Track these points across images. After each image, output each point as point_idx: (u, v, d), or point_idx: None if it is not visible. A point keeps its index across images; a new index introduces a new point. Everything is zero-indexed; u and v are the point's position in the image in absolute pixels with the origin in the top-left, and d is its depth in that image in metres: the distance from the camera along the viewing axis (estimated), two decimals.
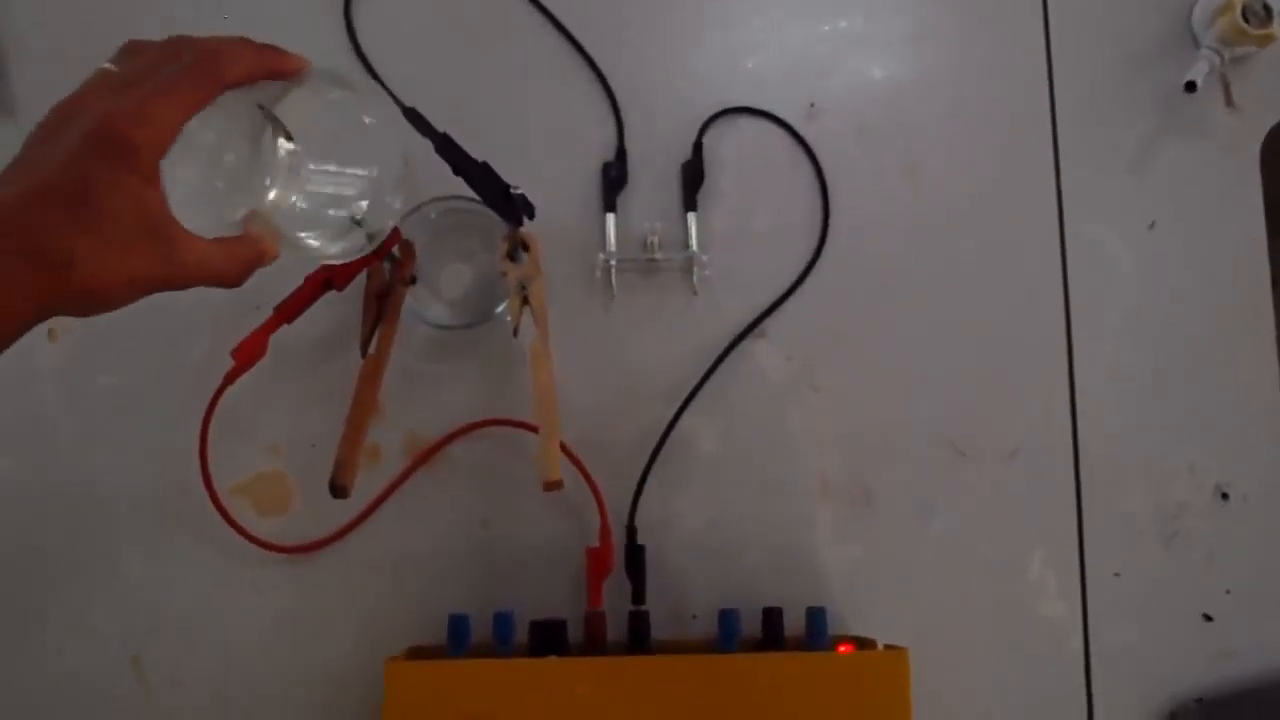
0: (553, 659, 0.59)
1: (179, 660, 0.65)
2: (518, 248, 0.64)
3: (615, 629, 0.62)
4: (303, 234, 0.49)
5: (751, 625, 0.62)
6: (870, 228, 0.70)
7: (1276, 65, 0.72)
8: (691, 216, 0.69)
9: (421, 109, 0.57)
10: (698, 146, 0.70)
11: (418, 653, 0.62)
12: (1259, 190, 0.71)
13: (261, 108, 0.46)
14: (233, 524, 0.64)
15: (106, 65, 0.44)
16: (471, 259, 0.69)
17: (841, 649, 0.61)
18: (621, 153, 0.70)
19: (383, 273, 0.64)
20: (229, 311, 0.64)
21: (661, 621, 0.63)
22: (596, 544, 0.63)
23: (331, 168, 0.50)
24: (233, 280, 0.45)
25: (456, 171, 0.59)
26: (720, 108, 0.71)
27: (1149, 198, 0.71)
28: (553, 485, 0.57)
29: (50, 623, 0.65)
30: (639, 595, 0.63)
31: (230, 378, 0.60)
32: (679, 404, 0.67)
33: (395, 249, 0.63)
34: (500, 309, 0.66)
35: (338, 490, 0.57)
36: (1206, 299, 0.70)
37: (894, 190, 0.71)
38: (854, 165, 0.71)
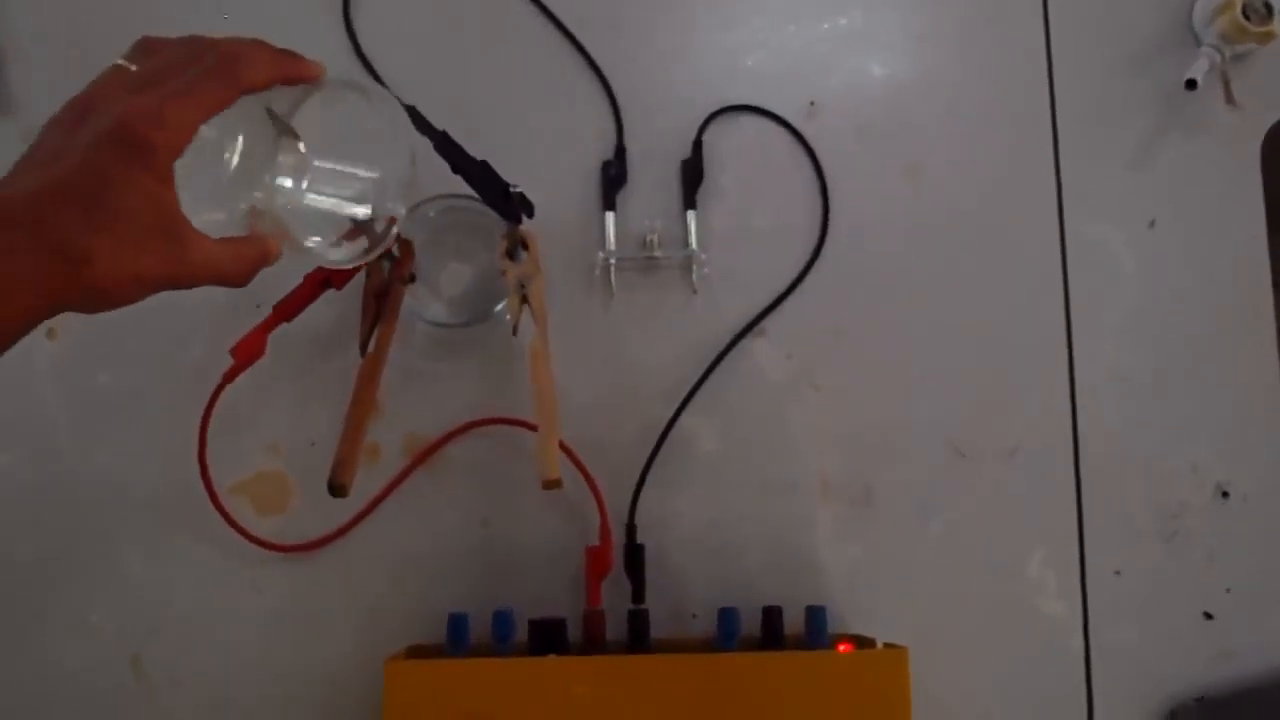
0: (552, 658, 0.59)
1: (178, 659, 0.65)
2: (517, 246, 0.64)
3: (615, 628, 0.62)
4: (307, 236, 0.49)
5: (751, 624, 0.62)
6: (870, 226, 0.70)
7: (1277, 63, 0.72)
8: (691, 215, 0.69)
9: (420, 107, 0.57)
10: (697, 145, 0.70)
11: (417, 652, 0.62)
12: (1259, 188, 0.71)
13: (269, 109, 0.46)
14: (232, 523, 0.64)
15: (121, 61, 0.44)
16: (471, 257, 0.69)
17: (841, 648, 0.61)
18: (621, 151, 0.70)
19: (382, 271, 0.64)
20: (228, 310, 0.64)
21: (661, 620, 0.63)
22: (596, 543, 0.63)
23: (338, 170, 0.50)
24: (239, 280, 0.45)
25: (455, 170, 0.59)
26: (720, 106, 0.71)
27: (1149, 196, 0.71)
28: (552, 484, 0.57)
29: (50, 622, 0.65)
30: (638, 594, 0.63)
31: (229, 376, 0.60)
32: (678, 403, 0.67)
33: (394, 248, 0.63)
34: (499, 307, 0.66)
35: (337, 489, 0.57)
36: (1207, 297, 0.70)
37: (894, 189, 0.71)
38: (854, 164, 0.71)
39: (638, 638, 0.62)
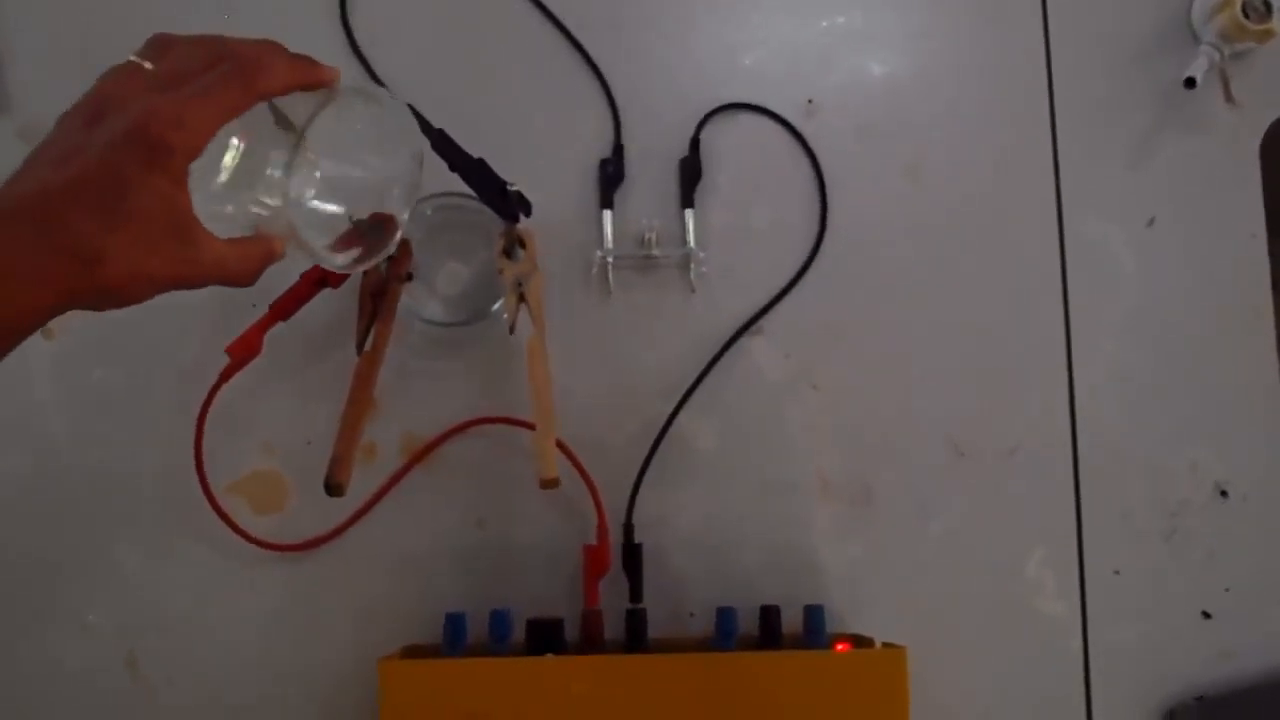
0: (550, 658, 0.59)
1: (175, 658, 0.64)
2: (514, 245, 0.64)
3: (612, 627, 0.62)
4: (312, 236, 0.49)
5: (749, 623, 0.62)
6: (869, 225, 0.70)
7: (1276, 61, 0.72)
8: (689, 213, 0.69)
9: (417, 105, 0.57)
10: (695, 143, 0.70)
11: (413, 651, 0.62)
12: (1259, 187, 0.71)
13: (276, 110, 0.46)
14: (228, 522, 0.64)
15: (134, 58, 0.44)
16: (468, 256, 0.69)
17: (839, 647, 0.60)
18: (619, 149, 0.70)
19: (379, 270, 0.63)
20: (224, 309, 0.64)
21: (659, 620, 0.63)
22: (593, 542, 0.63)
23: (344, 173, 0.50)
24: (246, 280, 0.46)
25: (453, 168, 0.58)
26: (718, 104, 0.71)
27: (1148, 194, 0.71)
28: (549, 483, 0.57)
29: (46, 621, 0.65)
30: (636, 593, 0.63)
31: (225, 375, 0.60)
32: (676, 401, 0.66)
33: None
34: (497, 306, 0.66)
35: (333, 488, 0.56)
36: (1206, 295, 0.70)
37: (892, 187, 0.71)
38: (852, 162, 0.71)
39: (635, 637, 0.62)
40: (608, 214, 0.69)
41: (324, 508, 0.64)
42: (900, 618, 0.65)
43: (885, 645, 0.60)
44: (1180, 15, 0.73)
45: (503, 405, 0.66)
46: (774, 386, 0.68)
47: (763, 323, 0.69)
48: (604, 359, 0.68)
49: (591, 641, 0.61)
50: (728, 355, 0.68)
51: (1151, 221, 0.71)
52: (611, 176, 0.69)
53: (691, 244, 0.68)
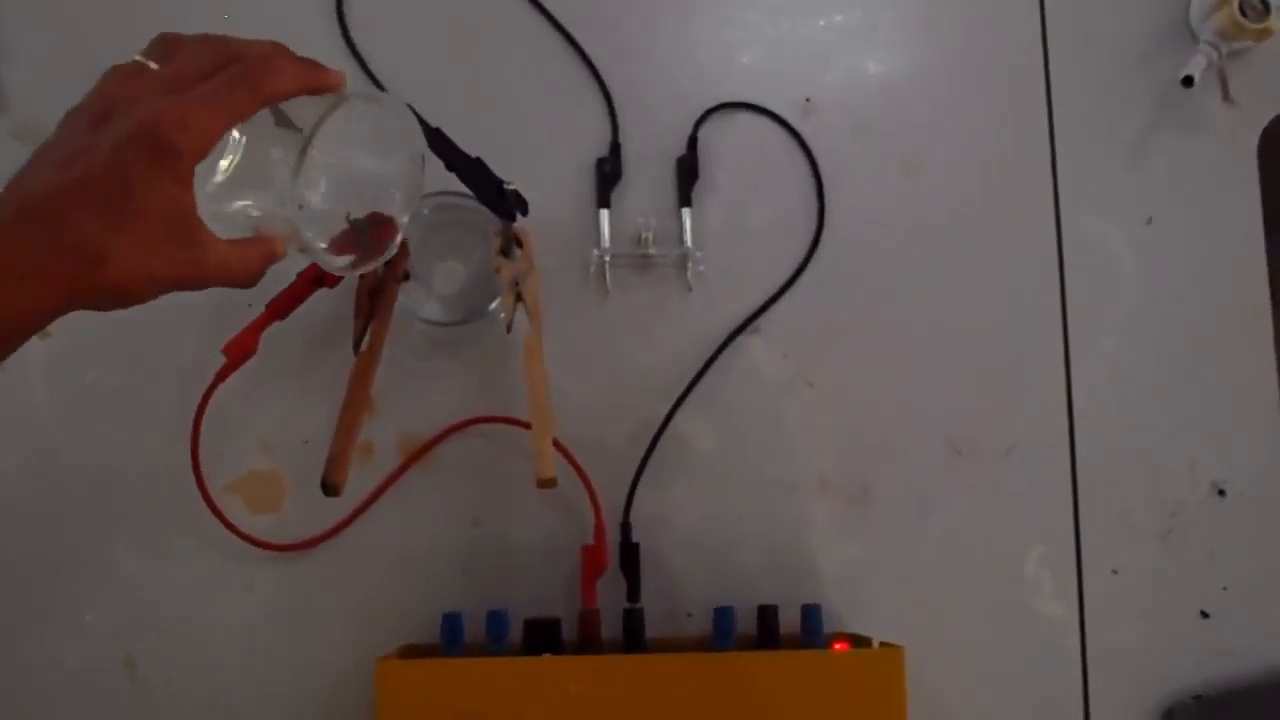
0: (547, 657, 0.58)
1: (172, 658, 0.64)
2: (511, 244, 0.64)
3: (610, 627, 0.62)
4: (314, 238, 0.49)
5: (747, 623, 0.62)
6: (866, 224, 0.70)
7: (1274, 60, 0.72)
8: (686, 212, 0.69)
9: (414, 103, 0.56)
10: (693, 142, 0.70)
11: (411, 651, 0.61)
12: (1257, 185, 0.71)
13: (277, 110, 0.46)
14: (225, 522, 0.64)
15: (140, 58, 0.44)
16: (465, 255, 0.69)
17: (837, 647, 0.60)
18: (616, 148, 0.70)
19: (375, 269, 0.63)
20: (220, 308, 0.64)
21: (656, 620, 0.63)
22: (591, 542, 0.63)
23: (346, 174, 0.50)
24: (248, 281, 0.46)
25: (450, 167, 0.58)
26: (715, 103, 0.71)
27: (1146, 193, 0.71)
28: (547, 483, 0.57)
29: (44, 622, 0.65)
30: (634, 593, 0.63)
31: (222, 375, 0.59)
32: (674, 401, 0.66)
33: None
34: (494, 306, 0.66)
35: (330, 488, 0.56)
36: (1204, 294, 0.70)
37: (890, 186, 0.71)
38: (850, 161, 0.71)
39: (633, 637, 0.62)
40: (605, 213, 0.68)
41: (321, 507, 0.64)
42: (898, 617, 0.65)
43: (883, 645, 0.59)
44: (1178, 14, 0.73)
45: (500, 405, 0.66)
46: (772, 386, 0.68)
47: (760, 322, 0.69)
48: (601, 358, 0.68)
49: (589, 641, 0.61)
50: (725, 354, 0.68)
51: (1150, 220, 0.71)
52: (609, 175, 0.69)
53: (689, 243, 0.68)
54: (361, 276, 0.63)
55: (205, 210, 0.43)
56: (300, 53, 0.46)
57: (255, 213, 0.47)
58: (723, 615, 0.61)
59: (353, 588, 0.65)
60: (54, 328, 0.66)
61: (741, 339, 0.68)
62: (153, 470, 0.65)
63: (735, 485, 0.67)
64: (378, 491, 0.66)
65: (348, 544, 0.66)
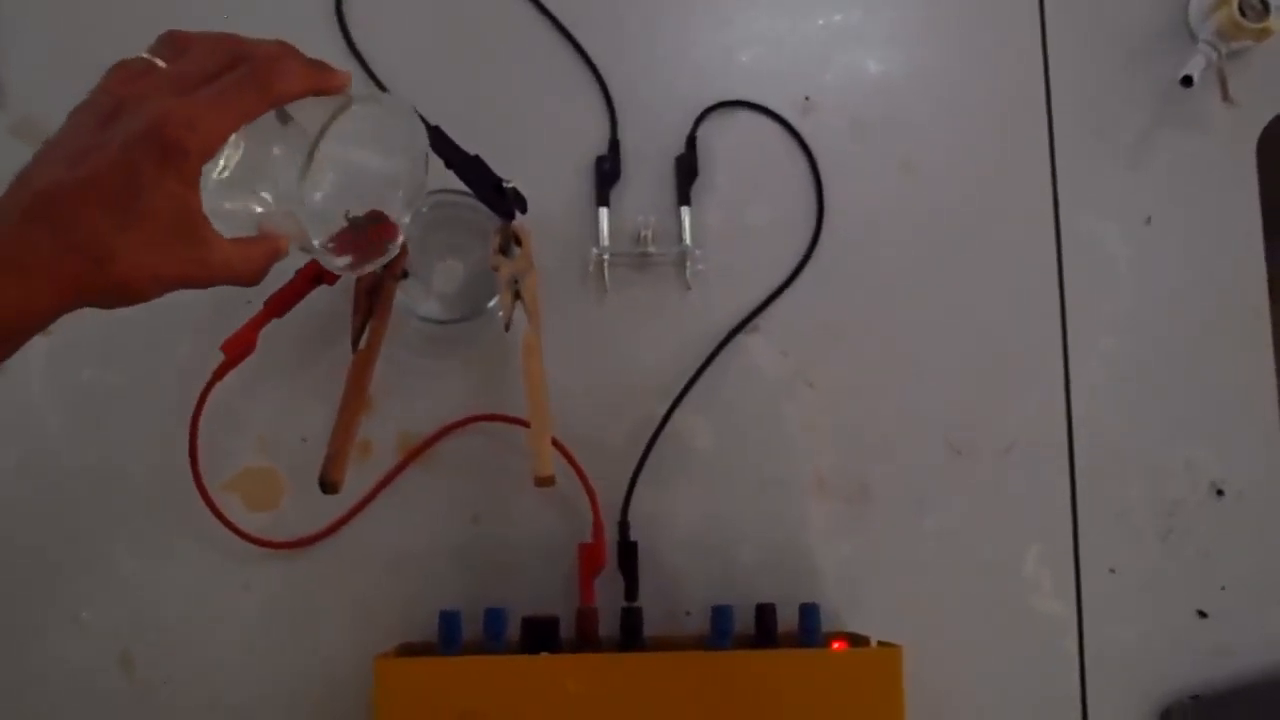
0: (545, 656, 0.58)
1: (169, 657, 0.64)
2: (510, 242, 0.64)
3: (608, 625, 0.62)
4: (317, 236, 0.49)
5: (745, 622, 0.62)
6: (865, 222, 0.70)
7: (1273, 60, 0.72)
8: (685, 210, 0.69)
9: (413, 101, 0.57)
10: (692, 140, 0.70)
11: (409, 649, 0.61)
12: (1255, 185, 0.71)
13: (280, 110, 0.46)
14: (223, 520, 0.64)
15: (146, 55, 0.44)
16: (463, 253, 0.69)
17: (835, 646, 0.60)
18: (615, 146, 0.70)
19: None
20: (219, 306, 0.64)
21: (654, 618, 0.63)
22: (589, 540, 0.63)
23: (348, 177, 0.50)
24: (252, 280, 0.46)
25: (449, 165, 0.58)
26: (715, 101, 0.71)
27: (1145, 193, 0.71)
28: (545, 481, 0.57)
29: (40, 620, 0.64)
30: (632, 592, 0.63)
31: (220, 373, 0.59)
32: (672, 399, 0.66)
33: None
34: (492, 304, 0.65)
35: (328, 486, 0.56)
36: (1203, 294, 0.70)
37: (889, 185, 0.71)
38: (849, 160, 0.71)
39: (631, 635, 0.62)
40: (604, 211, 0.68)
41: (319, 505, 0.64)
42: (896, 616, 0.65)
43: (881, 644, 0.59)
44: (1177, 13, 0.73)
45: (498, 403, 0.66)
46: (770, 384, 0.68)
47: (759, 321, 0.68)
48: (600, 357, 0.68)
49: (587, 640, 0.61)
50: (724, 353, 0.68)
51: (1149, 220, 0.71)
52: (608, 174, 0.69)
53: (688, 241, 0.68)
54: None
55: (207, 206, 0.43)
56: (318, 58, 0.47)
57: (257, 210, 0.48)
58: (721, 614, 0.60)
59: (351, 586, 0.65)
60: (52, 325, 0.66)
61: (740, 338, 0.68)
62: (151, 468, 0.65)
63: (734, 484, 0.67)
64: (376, 489, 0.66)
65: (346, 542, 0.65)
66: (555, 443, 0.63)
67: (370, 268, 0.52)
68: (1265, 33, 0.69)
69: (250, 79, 0.43)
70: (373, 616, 0.64)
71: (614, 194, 0.69)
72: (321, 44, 0.70)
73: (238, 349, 0.58)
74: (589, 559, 0.62)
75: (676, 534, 0.66)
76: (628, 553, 0.64)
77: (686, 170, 0.69)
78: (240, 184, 0.47)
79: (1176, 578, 0.67)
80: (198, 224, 0.43)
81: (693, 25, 0.72)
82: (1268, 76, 0.72)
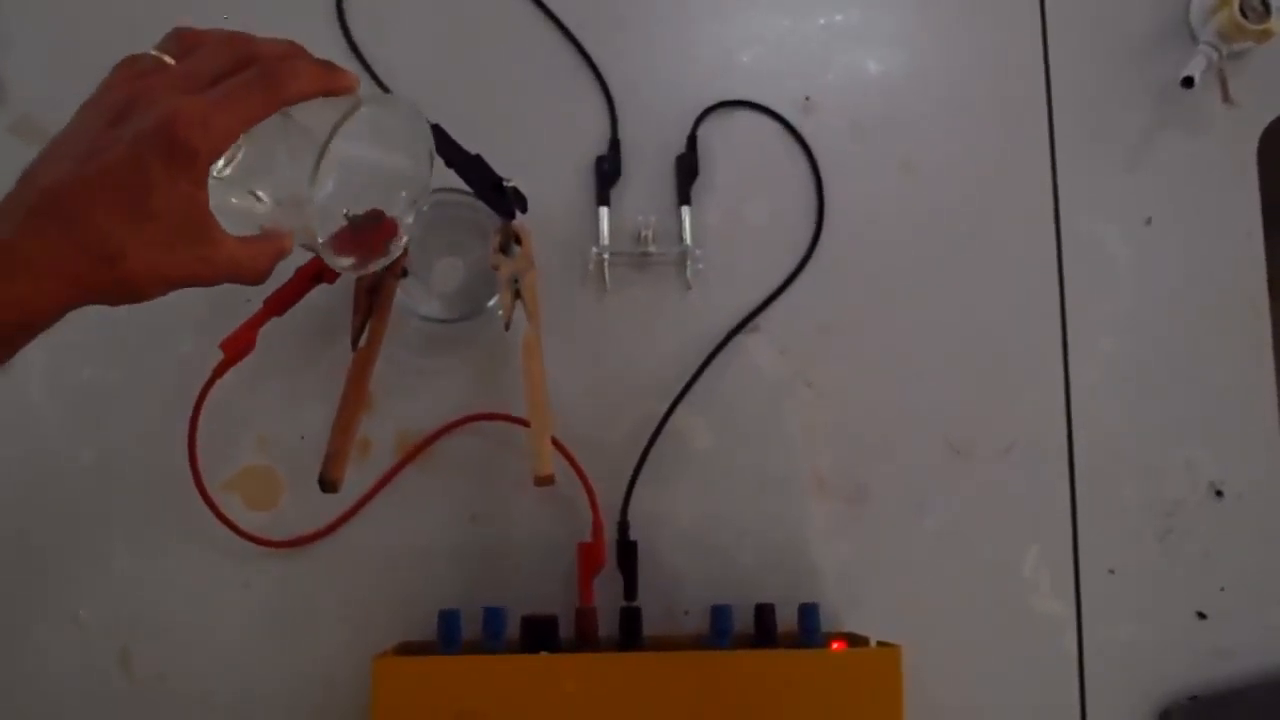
0: (544, 655, 0.58)
1: (168, 655, 0.64)
2: (510, 241, 0.64)
3: (607, 625, 0.62)
4: (322, 234, 0.49)
5: (744, 622, 0.62)
6: (865, 222, 0.70)
7: (1274, 61, 0.72)
8: (685, 210, 0.69)
9: (414, 100, 0.57)
10: (692, 140, 0.70)
11: (407, 648, 0.61)
12: (1256, 186, 0.71)
13: (286, 111, 0.46)
14: (222, 519, 0.64)
15: (155, 52, 0.44)
16: (463, 252, 0.69)
17: (834, 646, 0.60)
18: (615, 145, 0.70)
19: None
20: (218, 304, 0.63)
21: (653, 618, 0.63)
22: (588, 539, 0.63)
23: (353, 177, 0.50)
24: (258, 278, 0.46)
25: (449, 164, 0.58)
26: (715, 101, 0.71)
27: (1146, 193, 0.71)
28: (544, 480, 0.57)
29: (38, 618, 0.64)
30: (631, 591, 0.63)
31: (219, 371, 0.59)
32: (672, 399, 0.66)
33: None
34: (492, 303, 0.65)
35: (327, 485, 0.56)
36: (1203, 295, 0.70)
37: (889, 185, 0.70)
38: (849, 159, 0.71)
39: (630, 635, 0.62)
40: (604, 211, 0.68)
41: (318, 504, 0.64)
42: (895, 616, 0.65)
43: (880, 644, 0.60)
44: (1178, 14, 0.73)
45: (498, 402, 0.66)
46: (770, 384, 0.68)
47: (759, 320, 0.68)
48: (600, 356, 0.68)
49: (586, 639, 0.61)
50: (724, 353, 0.68)
51: (1149, 220, 0.71)
52: (608, 173, 0.69)
53: (688, 241, 0.68)
54: None
55: (212, 202, 0.43)
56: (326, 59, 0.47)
57: (261, 209, 0.47)
58: (720, 614, 0.60)
59: (350, 585, 0.65)
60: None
61: (740, 337, 0.68)
62: (150, 467, 0.65)
63: (733, 484, 0.67)
64: (375, 488, 0.66)
65: (345, 541, 0.65)
66: (555, 442, 0.63)
67: (374, 267, 0.53)
68: (1266, 34, 0.69)
69: (260, 79, 0.43)
70: (372, 615, 0.64)
71: (614, 193, 0.69)
72: (322, 43, 0.70)
73: (237, 348, 0.58)
74: (588, 558, 0.62)
75: (676, 533, 0.66)
76: (627, 552, 0.63)
77: (687, 170, 0.69)
78: (242, 183, 0.47)
79: (1175, 578, 0.67)
80: (206, 223, 0.43)
81: (693, 25, 0.72)
82: (1268, 78, 0.72)
